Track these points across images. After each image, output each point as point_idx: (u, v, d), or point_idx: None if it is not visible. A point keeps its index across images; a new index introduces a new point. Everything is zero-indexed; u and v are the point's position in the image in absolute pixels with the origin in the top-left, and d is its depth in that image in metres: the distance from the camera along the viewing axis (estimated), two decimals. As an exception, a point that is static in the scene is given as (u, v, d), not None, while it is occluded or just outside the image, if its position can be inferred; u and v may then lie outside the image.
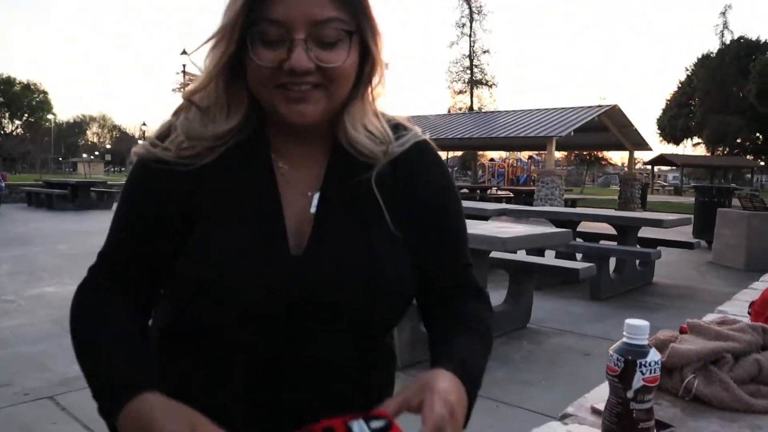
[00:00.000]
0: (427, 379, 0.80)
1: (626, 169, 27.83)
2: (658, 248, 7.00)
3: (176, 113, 0.90)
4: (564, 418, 1.27)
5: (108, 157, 77.39)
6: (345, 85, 0.86)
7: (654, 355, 1.12)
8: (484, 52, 43.54)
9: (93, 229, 11.66)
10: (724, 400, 1.40)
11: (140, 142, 0.95)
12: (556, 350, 4.50)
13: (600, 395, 1.44)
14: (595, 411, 1.33)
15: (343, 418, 0.73)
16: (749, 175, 47.92)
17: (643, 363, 1.10)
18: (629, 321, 1.15)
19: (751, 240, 8.51)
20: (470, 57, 43.45)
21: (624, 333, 1.15)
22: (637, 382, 1.10)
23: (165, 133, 0.90)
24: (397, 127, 0.95)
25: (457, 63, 44.05)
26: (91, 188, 17.72)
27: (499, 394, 3.42)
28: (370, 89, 0.91)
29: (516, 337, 4.71)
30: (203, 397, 0.84)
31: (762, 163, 47.99)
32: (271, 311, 0.85)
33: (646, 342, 1.12)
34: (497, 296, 4.87)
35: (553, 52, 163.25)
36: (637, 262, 6.92)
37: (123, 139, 79.36)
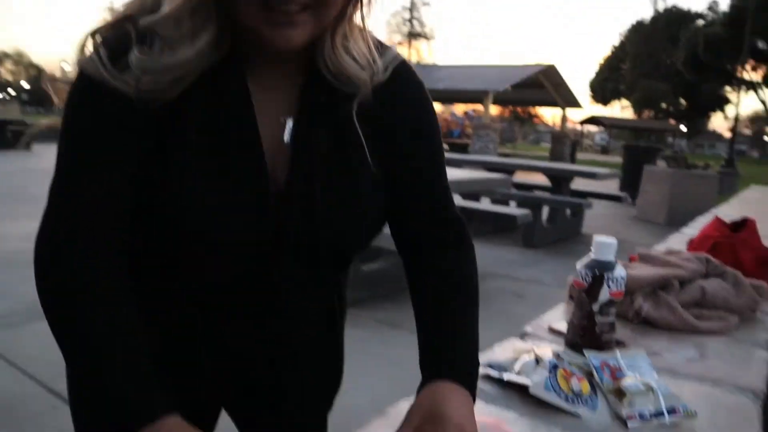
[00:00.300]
0: (437, 404, 0.75)
1: (558, 127, 28.48)
2: (589, 200, 7.25)
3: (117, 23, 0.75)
4: (523, 336, 1.29)
5: (25, 97, 72.95)
6: (335, 6, 0.76)
7: (621, 271, 1.14)
8: (425, 4, 43.30)
9: (12, 170, 11.04)
10: (671, 322, 1.46)
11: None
12: (491, 292, 4.66)
13: (555, 316, 1.48)
14: (552, 330, 1.36)
15: None
16: (671, 139, 50.08)
17: (611, 277, 1.12)
18: (598, 238, 1.17)
19: (673, 196, 8.95)
20: (410, 9, 43.17)
21: (592, 250, 1.16)
22: (604, 295, 1.12)
23: (119, 45, 0.73)
24: (378, 48, 0.85)
25: (396, 15, 43.76)
26: (9, 126, 16.68)
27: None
28: (358, 8, 0.80)
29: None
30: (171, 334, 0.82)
31: (683, 128, 50.24)
32: (245, 249, 0.79)
33: (613, 259, 1.14)
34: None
35: (494, 9, 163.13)
36: (569, 212, 7.16)
37: (41, 78, 74.77)
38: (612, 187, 12.19)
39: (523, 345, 1.19)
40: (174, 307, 0.84)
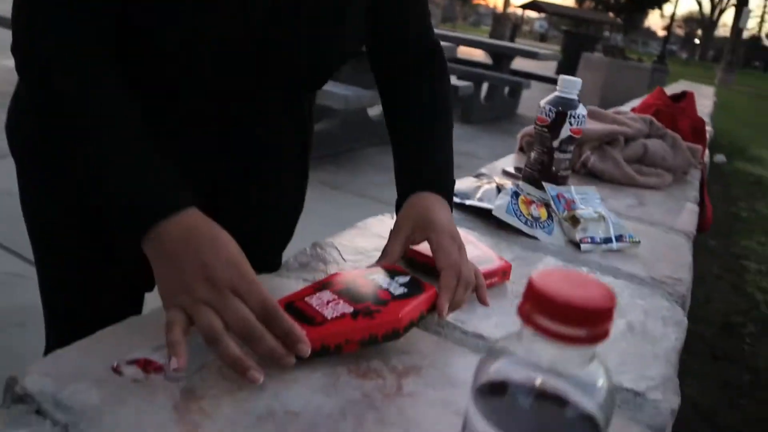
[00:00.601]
0: (426, 212, 0.76)
1: (499, 10, 27.94)
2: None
3: None
4: (478, 176, 1.32)
5: None
6: None
7: (582, 110, 1.16)
8: None
9: None
10: (614, 174, 1.53)
11: None
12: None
13: (506, 162, 1.52)
14: (506, 172, 1.40)
15: (362, 273, 0.69)
16: (607, 33, 50.30)
17: (573, 114, 1.14)
18: (563, 76, 1.18)
19: (607, 85, 9.16)
20: None
21: (557, 88, 1.18)
22: (565, 132, 1.15)
23: None
24: None
25: None
26: None
27: (377, 195, 3.56)
28: None
29: (392, 148, 4.83)
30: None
31: (620, 21, 50.45)
32: (228, 63, 0.73)
33: (576, 97, 1.16)
34: (376, 108, 4.88)
35: None
36: (507, 90, 7.20)
37: None
38: (550, 70, 12.29)
39: (483, 180, 1.23)
40: (155, 100, 0.78)
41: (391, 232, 0.78)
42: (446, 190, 0.81)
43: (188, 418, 0.49)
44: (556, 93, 1.17)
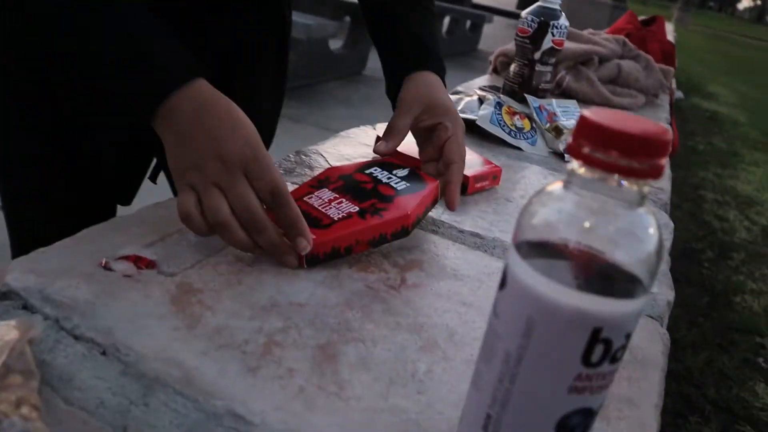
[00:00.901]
0: (430, 92, 0.72)
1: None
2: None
3: None
4: (456, 93, 1.29)
5: None
6: None
7: (564, 20, 1.14)
8: None
9: None
10: (588, 94, 1.52)
11: None
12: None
13: (482, 82, 1.49)
14: (483, 89, 1.38)
15: (358, 167, 0.65)
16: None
17: (555, 24, 1.12)
18: (546, -15, 1.15)
19: (568, 19, 9.11)
20: None
21: (539, -3, 1.14)
22: (547, 43, 1.13)
23: None
24: None
25: None
26: None
27: (342, 128, 3.49)
28: None
29: (354, 81, 4.74)
30: None
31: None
32: None
33: (558, 7, 1.13)
34: (337, 42, 4.76)
35: None
36: (468, 24, 7.10)
37: None
38: (511, 5, 12.15)
39: (461, 95, 1.20)
40: None
41: (397, 110, 0.72)
42: (443, 72, 0.77)
43: (188, 310, 0.47)
44: (539, 3, 1.13)
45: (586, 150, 0.28)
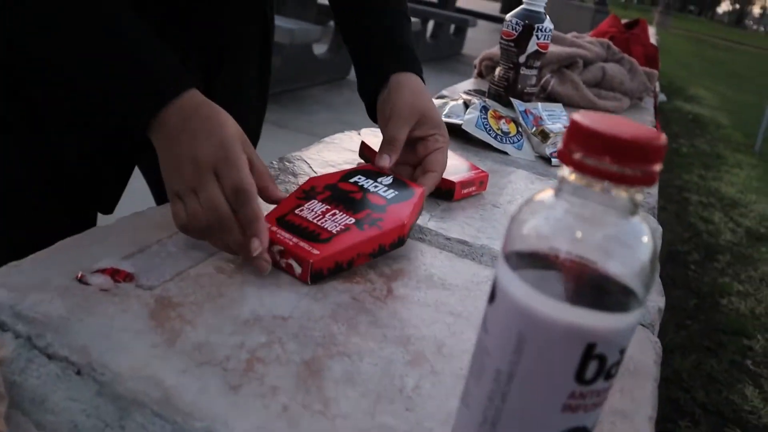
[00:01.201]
0: (421, 101, 0.72)
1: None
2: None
3: None
4: (441, 97, 1.28)
5: None
6: None
7: (549, 23, 1.13)
8: None
9: None
10: (573, 97, 1.52)
11: None
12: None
13: (467, 86, 1.49)
14: (468, 92, 1.37)
15: (341, 176, 0.64)
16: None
17: (540, 28, 1.11)
18: (530, -12, 1.14)
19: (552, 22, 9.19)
20: None
21: (523, 1, 1.14)
22: (532, 46, 1.12)
23: None
24: None
25: None
26: None
27: (326, 133, 3.48)
28: None
29: (337, 86, 4.74)
30: None
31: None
32: None
33: (543, 9, 1.13)
34: (321, 46, 4.75)
35: None
36: (453, 29, 7.12)
37: None
38: (495, 10, 12.22)
39: (447, 99, 1.19)
40: None
41: (393, 120, 0.70)
42: (422, 72, 0.77)
43: (168, 325, 0.45)
44: (523, 6, 1.13)
45: (577, 156, 0.27)
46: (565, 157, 0.28)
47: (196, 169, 0.51)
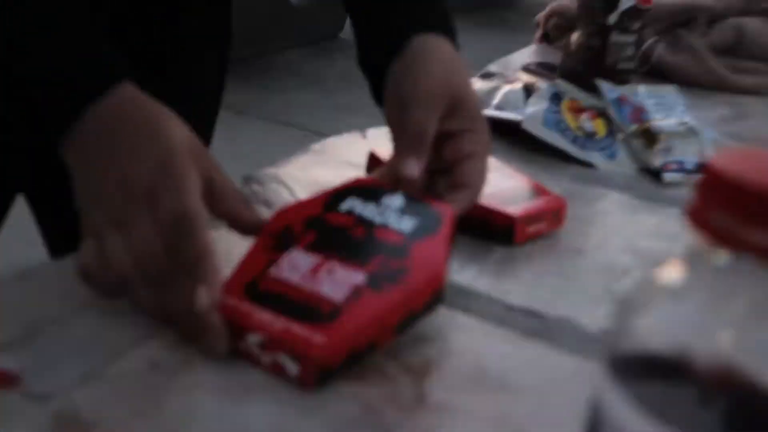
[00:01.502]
0: (454, 78, 0.73)
1: None
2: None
3: None
4: (487, 76, 1.29)
5: None
6: None
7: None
8: None
9: None
10: (692, 72, 1.52)
11: None
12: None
13: (525, 56, 1.50)
14: (528, 69, 1.38)
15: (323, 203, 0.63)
16: None
17: (641, -29, 1.12)
18: None
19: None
20: None
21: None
22: (627, 0, 1.13)
23: None
24: None
25: None
26: None
27: (306, 122, 3.53)
28: None
29: (325, 50, 4.80)
30: None
31: None
32: None
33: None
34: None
35: None
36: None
37: None
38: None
39: (496, 80, 1.20)
40: None
41: (410, 99, 0.71)
42: (455, 33, 0.78)
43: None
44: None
45: (722, 224, 0.27)
46: (702, 222, 0.28)
47: (125, 195, 0.54)
